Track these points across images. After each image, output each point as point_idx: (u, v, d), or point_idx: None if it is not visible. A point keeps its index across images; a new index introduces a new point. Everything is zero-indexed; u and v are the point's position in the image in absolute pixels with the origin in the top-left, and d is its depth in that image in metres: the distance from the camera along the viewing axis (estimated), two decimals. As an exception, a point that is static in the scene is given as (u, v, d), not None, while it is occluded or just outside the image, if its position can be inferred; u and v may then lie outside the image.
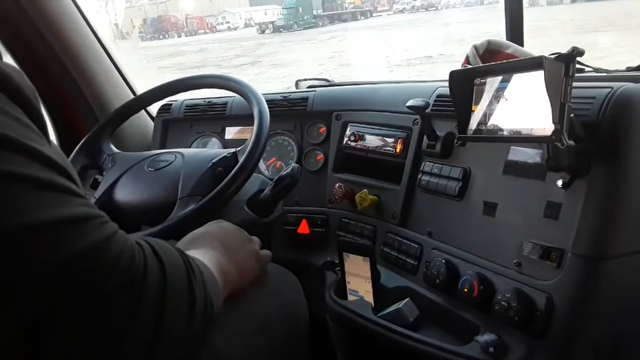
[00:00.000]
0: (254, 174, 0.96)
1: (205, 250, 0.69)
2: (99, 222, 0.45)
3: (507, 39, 1.16)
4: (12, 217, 0.38)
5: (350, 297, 0.98)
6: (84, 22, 1.41)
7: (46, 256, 0.40)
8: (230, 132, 1.39)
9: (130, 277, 0.44)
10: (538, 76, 0.66)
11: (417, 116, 1.01)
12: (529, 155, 0.80)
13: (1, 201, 0.38)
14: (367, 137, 1.15)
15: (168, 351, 0.48)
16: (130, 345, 0.44)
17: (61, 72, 1.37)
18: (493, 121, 0.76)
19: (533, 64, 0.69)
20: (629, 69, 0.95)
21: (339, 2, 21.66)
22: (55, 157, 0.43)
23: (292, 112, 1.30)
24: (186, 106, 1.44)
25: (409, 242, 0.99)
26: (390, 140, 1.09)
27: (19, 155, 0.40)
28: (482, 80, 0.78)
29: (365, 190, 1.07)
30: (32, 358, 0.41)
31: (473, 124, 0.79)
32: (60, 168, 0.43)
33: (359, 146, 1.16)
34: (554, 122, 0.65)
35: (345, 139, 1.20)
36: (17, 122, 0.42)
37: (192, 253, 0.61)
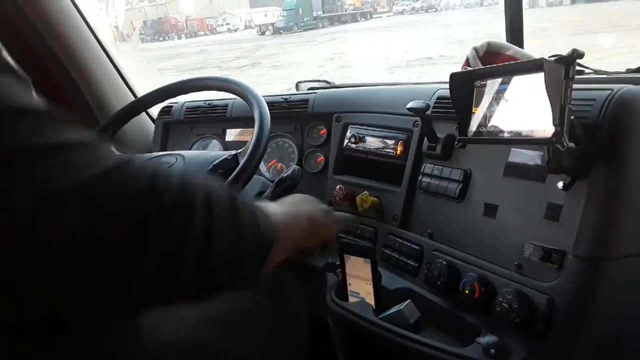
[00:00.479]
0: (255, 175, 0.97)
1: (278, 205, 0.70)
2: (135, 162, 0.46)
3: (507, 41, 1.16)
4: (82, 172, 0.40)
5: (351, 299, 0.98)
6: (84, 24, 1.41)
7: (111, 199, 0.41)
8: (231, 134, 1.40)
9: (184, 197, 0.46)
10: (538, 78, 0.66)
11: (418, 118, 1.01)
12: (530, 157, 0.80)
13: (60, 165, 0.40)
14: (368, 139, 1.15)
15: (222, 257, 0.49)
16: (187, 252, 0.46)
17: (61, 74, 1.38)
18: (493, 123, 0.76)
19: (533, 66, 0.69)
20: (629, 71, 0.96)
21: (339, 3, 21.67)
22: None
23: (292, 114, 1.30)
24: (187, 108, 1.44)
25: (409, 244, 0.99)
26: (390, 142, 1.09)
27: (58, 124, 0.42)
28: (482, 82, 0.78)
29: (365, 192, 1.07)
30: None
31: (473, 125, 0.79)
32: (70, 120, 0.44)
33: (359, 148, 1.16)
34: (554, 124, 0.65)
35: (346, 141, 1.20)
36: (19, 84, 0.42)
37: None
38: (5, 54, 0.46)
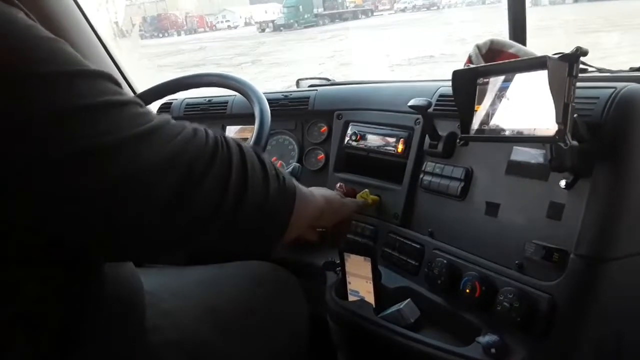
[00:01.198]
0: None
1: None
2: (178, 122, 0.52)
3: (509, 39, 1.15)
4: (123, 130, 0.46)
5: (351, 298, 0.98)
6: (84, 20, 1.40)
7: (155, 151, 0.47)
8: (231, 131, 1.39)
9: (223, 150, 0.53)
10: (541, 76, 0.65)
11: (419, 116, 1.01)
12: (532, 155, 0.79)
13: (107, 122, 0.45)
14: (369, 136, 1.14)
15: (253, 202, 0.55)
16: (230, 193, 0.52)
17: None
18: (496, 121, 0.76)
19: (536, 63, 0.68)
20: (632, 69, 0.95)
21: (340, 1, 21.62)
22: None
23: (293, 111, 1.30)
24: (187, 105, 1.44)
25: (410, 243, 0.99)
26: (391, 139, 1.09)
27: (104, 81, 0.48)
28: (485, 80, 0.78)
29: (366, 190, 1.07)
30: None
31: (475, 123, 0.79)
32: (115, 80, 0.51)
33: (360, 146, 1.16)
34: (557, 122, 0.64)
35: (347, 139, 1.19)
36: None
37: None
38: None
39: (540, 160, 0.78)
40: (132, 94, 0.50)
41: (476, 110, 0.78)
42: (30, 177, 0.41)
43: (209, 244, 0.54)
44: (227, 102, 1.38)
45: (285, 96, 1.32)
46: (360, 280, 0.96)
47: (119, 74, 1.50)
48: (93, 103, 0.44)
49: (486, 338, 0.76)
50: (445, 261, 0.88)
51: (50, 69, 0.43)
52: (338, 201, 0.87)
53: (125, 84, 1.51)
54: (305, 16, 19.92)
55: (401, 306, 0.88)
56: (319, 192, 0.81)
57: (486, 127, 0.77)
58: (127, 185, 0.45)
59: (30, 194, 0.42)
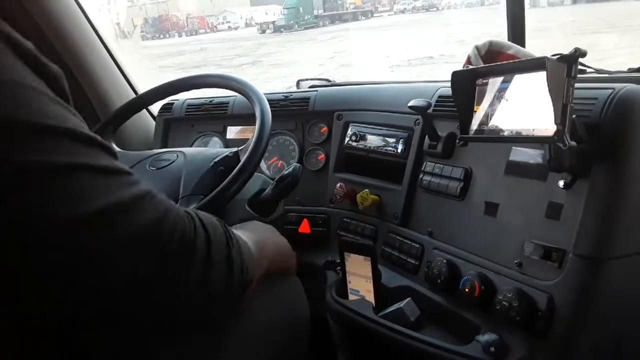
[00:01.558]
0: (255, 173, 0.96)
1: (244, 230, 0.75)
2: (154, 195, 0.49)
3: (508, 40, 1.16)
4: (82, 204, 0.41)
5: (351, 297, 0.98)
6: (86, 21, 1.41)
7: (115, 236, 0.43)
8: (232, 132, 1.39)
9: (184, 244, 0.50)
10: (540, 77, 0.66)
11: (419, 116, 1.01)
12: (531, 155, 0.80)
13: (71, 191, 0.41)
14: (369, 137, 1.15)
15: (211, 306, 0.55)
16: (183, 302, 0.51)
17: (63, 71, 1.37)
18: (495, 121, 0.76)
19: (535, 64, 0.69)
20: (630, 70, 0.96)
21: (340, 2, 21.63)
22: (96, 136, 0.46)
23: (293, 111, 1.30)
24: (188, 105, 1.44)
25: (410, 242, 0.99)
26: (391, 140, 1.09)
27: (81, 145, 0.43)
28: (484, 81, 0.78)
29: (366, 190, 1.07)
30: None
31: (475, 124, 0.79)
32: (106, 147, 0.46)
33: (360, 146, 1.16)
34: (556, 122, 0.65)
35: (347, 139, 1.20)
36: (53, 103, 0.44)
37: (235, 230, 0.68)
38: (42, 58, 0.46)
39: (539, 160, 0.78)
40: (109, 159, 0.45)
41: (475, 111, 0.79)
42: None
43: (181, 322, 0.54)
44: (228, 103, 1.39)
45: (286, 97, 1.32)
46: (360, 280, 0.97)
47: (121, 75, 1.50)
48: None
49: (485, 337, 0.76)
50: (444, 260, 0.88)
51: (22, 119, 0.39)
52: (285, 249, 0.90)
53: (128, 85, 1.52)
54: (306, 17, 19.92)
55: (401, 305, 0.89)
56: (271, 242, 0.84)
57: (485, 128, 0.77)
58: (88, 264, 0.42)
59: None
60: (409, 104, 0.96)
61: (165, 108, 1.47)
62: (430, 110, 0.96)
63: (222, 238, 0.58)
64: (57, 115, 0.42)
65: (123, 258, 0.44)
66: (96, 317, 0.44)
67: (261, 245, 0.76)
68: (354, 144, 1.18)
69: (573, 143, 0.66)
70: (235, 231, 0.69)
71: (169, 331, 0.54)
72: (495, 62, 0.94)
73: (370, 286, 0.95)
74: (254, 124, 0.98)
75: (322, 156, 1.27)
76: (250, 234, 0.75)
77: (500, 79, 0.76)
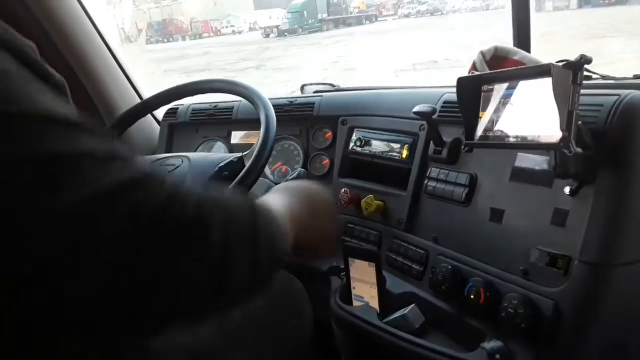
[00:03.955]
0: (260, 178, 0.97)
1: (277, 195, 0.68)
2: (164, 176, 0.44)
3: (514, 45, 1.16)
4: (83, 188, 0.38)
5: (356, 303, 0.98)
6: (91, 26, 1.42)
7: (122, 219, 0.40)
8: (236, 137, 1.40)
9: (201, 215, 0.45)
10: (546, 83, 0.66)
11: (424, 122, 1.01)
12: (536, 161, 0.80)
13: (75, 177, 0.39)
14: (373, 142, 1.15)
15: (237, 290, 0.49)
16: (203, 284, 0.45)
17: (68, 76, 1.36)
18: (500, 127, 0.76)
19: (541, 71, 0.69)
20: (636, 77, 0.95)
21: (344, 6, 21.70)
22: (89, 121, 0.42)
23: (298, 116, 1.31)
24: (192, 110, 1.45)
25: (414, 248, 0.99)
26: (396, 145, 1.09)
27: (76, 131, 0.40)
28: (489, 87, 0.78)
29: (371, 195, 1.07)
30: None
31: (480, 130, 0.79)
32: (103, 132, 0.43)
33: (365, 151, 1.16)
34: (561, 129, 0.65)
35: (351, 144, 1.20)
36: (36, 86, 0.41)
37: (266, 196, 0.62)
38: (41, 60, 0.46)
39: (545, 166, 0.78)
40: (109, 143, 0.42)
41: (481, 117, 0.79)
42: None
43: (197, 310, 0.48)
44: (232, 108, 1.39)
45: (291, 102, 1.33)
46: (364, 286, 0.96)
47: (126, 80, 1.51)
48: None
49: (490, 344, 0.76)
50: (449, 267, 0.88)
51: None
52: (327, 212, 0.75)
53: (133, 90, 1.52)
54: (310, 21, 19.98)
55: (405, 311, 0.88)
56: (308, 208, 0.70)
57: (490, 134, 0.77)
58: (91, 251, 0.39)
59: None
60: (414, 110, 0.96)
61: (170, 113, 1.47)
62: (435, 116, 0.96)
63: (244, 215, 0.51)
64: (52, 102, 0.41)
65: (139, 235, 0.40)
66: (97, 296, 0.40)
67: (295, 213, 0.66)
68: (359, 149, 1.18)
69: (579, 149, 0.66)
70: (268, 197, 0.64)
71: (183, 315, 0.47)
72: (501, 68, 0.93)
73: (374, 292, 0.95)
74: (258, 128, 0.98)
75: (326, 161, 1.27)
76: (287, 200, 0.67)
77: (506, 85, 0.76)
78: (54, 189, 0.38)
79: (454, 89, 0.82)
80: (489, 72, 0.90)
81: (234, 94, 1.10)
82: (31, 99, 0.40)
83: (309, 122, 1.30)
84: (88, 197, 0.39)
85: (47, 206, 0.37)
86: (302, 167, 1.27)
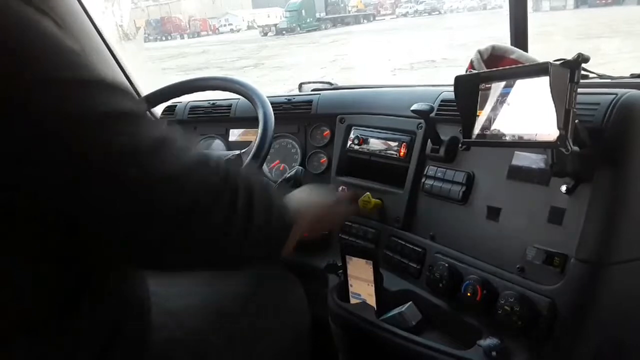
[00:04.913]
0: (258, 176, 0.97)
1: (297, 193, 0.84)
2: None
3: (511, 44, 1.16)
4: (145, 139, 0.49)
5: (353, 300, 0.98)
6: (90, 23, 1.41)
7: (169, 165, 0.51)
8: (234, 134, 1.40)
9: (229, 182, 0.56)
10: (543, 82, 0.66)
11: (422, 120, 1.01)
12: (533, 160, 0.80)
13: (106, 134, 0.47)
14: (371, 140, 1.15)
15: (256, 242, 0.60)
16: (231, 231, 0.56)
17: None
18: (497, 126, 0.76)
19: (538, 69, 0.69)
20: (633, 76, 0.96)
21: (342, 5, 21.71)
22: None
23: (296, 115, 1.31)
24: (191, 108, 1.45)
25: (412, 246, 0.99)
26: (394, 144, 1.10)
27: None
28: (487, 85, 0.78)
29: (368, 193, 1.07)
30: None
31: (477, 128, 0.79)
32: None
33: (362, 149, 1.17)
34: (558, 127, 0.65)
35: (349, 142, 1.20)
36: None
37: None
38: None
39: (542, 165, 0.78)
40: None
41: (478, 115, 0.79)
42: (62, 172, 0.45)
43: (221, 261, 0.61)
44: (231, 105, 1.39)
45: (289, 100, 1.33)
46: (362, 283, 0.97)
47: (124, 77, 1.51)
48: (110, 112, 0.47)
49: (487, 341, 0.76)
50: (446, 265, 0.88)
51: (67, 76, 0.46)
52: (330, 210, 0.91)
53: (130, 87, 1.52)
54: (308, 20, 19.97)
55: (403, 309, 0.89)
56: (316, 199, 0.87)
57: (488, 132, 0.78)
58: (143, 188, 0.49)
59: (65, 187, 0.45)
60: (412, 108, 0.96)
61: (168, 110, 1.47)
62: (432, 114, 0.96)
63: (261, 188, 0.63)
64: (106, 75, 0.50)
65: (165, 189, 0.50)
66: (119, 241, 0.50)
67: (306, 202, 0.82)
68: (356, 147, 1.18)
69: (575, 148, 0.66)
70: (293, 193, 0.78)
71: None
72: (498, 67, 0.94)
73: (371, 290, 0.95)
74: (256, 126, 0.98)
75: (324, 159, 1.27)
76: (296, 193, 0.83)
77: (503, 83, 0.76)
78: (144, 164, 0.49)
79: (452, 88, 0.82)
80: (486, 70, 0.90)
81: (232, 92, 1.10)
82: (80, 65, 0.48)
83: (307, 120, 1.31)
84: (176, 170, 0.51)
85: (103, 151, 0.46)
86: (300, 165, 1.27)
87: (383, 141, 1.12)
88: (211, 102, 1.43)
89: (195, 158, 0.54)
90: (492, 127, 0.77)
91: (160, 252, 0.52)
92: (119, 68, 1.50)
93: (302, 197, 0.84)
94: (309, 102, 1.30)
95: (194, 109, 1.44)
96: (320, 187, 0.94)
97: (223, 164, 0.58)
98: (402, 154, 1.07)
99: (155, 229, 0.50)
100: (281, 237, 0.66)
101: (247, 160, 0.93)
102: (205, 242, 0.55)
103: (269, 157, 1.24)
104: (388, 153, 1.10)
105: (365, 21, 21.03)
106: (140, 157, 0.48)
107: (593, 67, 0.89)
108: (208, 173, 0.55)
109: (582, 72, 0.67)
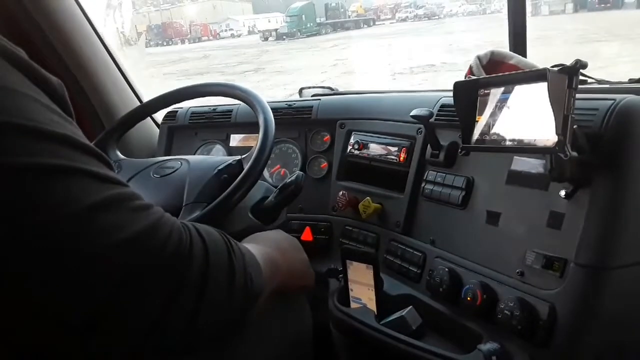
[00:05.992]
0: (259, 181, 0.97)
1: (254, 244, 0.72)
2: (147, 206, 0.48)
3: (510, 49, 1.17)
4: (72, 205, 0.41)
5: (354, 305, 0.98)
6: (91, 29, 1.42)
7: (102, 240, 0.43)
8: (235, 140, 1.40)
9: (178, 255, 0.49)
10: (541, 88, 0.67)
11: (421, 125, 1.02)
12: (532, 165, 0.81)
13: (62, 193, 0.41)
14: (371, 145, 1.16)
15: (210, 321, 0.52)
16: (175, 316, 0.48)
17: (68, 79, 1.39)
18: (496, 131, 0.77)
19: (536, 75, 0.70)
20: (631, 81, 0.96)
21: (342, 10, 21.77)
22: (92, 145, 0.46)
23: (296, 120, 1.31)
24: (192, 113, 1.45)
25: (412, 251, 1.00)
26: (394, 149, 1.10)
27: (76, 151, 0.44)
28: (486, 91, 0.79)
29: (368, 198, 1.08)
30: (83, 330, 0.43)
31: (476, 133, 0.80)
32: (102, 157, 0.47)
33: (362, 154, 1.17)
34: (557, 133, 0.65)
35: (349, 147, 1.21)
36: (49, 111, 0.44)
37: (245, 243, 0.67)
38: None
39: (541, 170, 0.79)
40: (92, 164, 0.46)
41: (477, 121, 0.80)
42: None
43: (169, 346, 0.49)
44: (231, 111, 1.40)
45: (289, 105, 1.33)
46: (362, 288, 0.97)
47: (126, 84, 1.51)
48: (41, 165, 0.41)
49: (487, 346, 0.76)
50: (446, 269, 0.89)
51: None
52: (300, 268, 0.86)
53: (132, 93, 1.53)
54: (308, 25, 20.02)
55: (403, 313, 0.89)
56: (285, 258, 0.79)
57: (487, 137, 0.78)
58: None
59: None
60: (411, 113, 0.96)
61: (169, 116, 1.48)
62: (432, 120, 0.97)
63: (222, 247, 0.56)
64: (51, 122, 0.43)
65: (115, 263, 0.43)
66: (82, 323, 0.42)
67: (272, 258, 0.73)
68: (357, 152, 1.18)
69: (574, 153, 0.67)
70: (245, 244, 0.67)
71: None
72: (497, 72, 0.95)
73: (372, 294, 0.95)
74: (257, 132, 0.98)
75: (324, 164, 1.28)
76: (261, 247, 0.73)
77: (502, 89, 0.77)
78: (64, 200, 0.41)
79: (451, 93, 0.82)
80: (485, 76, 0.90)
81: (233, 98, 1.11)
82: (33, 116, 0.41)
83: (307, 126, 1.31)
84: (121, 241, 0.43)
85: (57, 217, 0.40)
86: (300, 170, 1.28)
87: (383, 146, 1.13)
88: (212, 107, 1.44)
89: (141, 226, 0.45)
90: (491, 133, 0.77)
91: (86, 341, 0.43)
92: (120, 74, 1.50)
93: (267, 251, 0.74)
94: (310, 107, 1.31)
95: (195, 114, 1.45)
96: (281, 239, 0.85)
97: (177, 231, 0.49)
98: (402, 158, 1.08)
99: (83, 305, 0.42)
100: (245, 308, 0.59)
101: (247, 165, 0.94)
102: (135, 331, 0.45)
103: (269, 162, 1.25)
104: (388, 158, 1.11)
105: (365, 26, 21.09)
106: (71, 223, 0.41)
107: (592, 71, 0.90)
108: (153, 246, 0.46)
109: (581, 77, 0.68)
